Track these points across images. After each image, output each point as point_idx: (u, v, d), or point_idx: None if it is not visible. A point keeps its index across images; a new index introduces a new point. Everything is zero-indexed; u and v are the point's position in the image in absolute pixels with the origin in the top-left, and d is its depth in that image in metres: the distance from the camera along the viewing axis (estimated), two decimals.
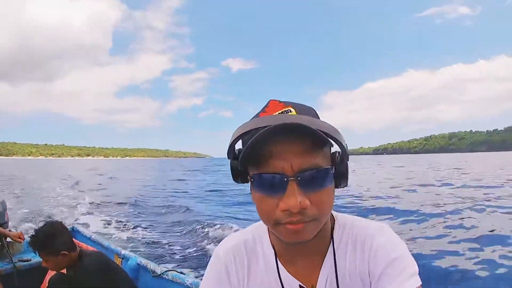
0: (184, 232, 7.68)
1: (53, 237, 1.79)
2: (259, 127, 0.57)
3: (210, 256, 0.82)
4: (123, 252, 2.41)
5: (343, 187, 0.68)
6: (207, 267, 0.81)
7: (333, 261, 0.73)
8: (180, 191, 17.82)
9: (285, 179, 0.57)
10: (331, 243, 0.74)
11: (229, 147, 0.66)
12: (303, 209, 0.57)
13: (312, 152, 0.58)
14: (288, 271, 0.74)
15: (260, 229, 0.80)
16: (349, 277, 0.73)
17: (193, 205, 12.00)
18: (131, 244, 6.42)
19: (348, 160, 0.66)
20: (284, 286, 0.74)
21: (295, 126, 0.55)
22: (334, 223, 0.76)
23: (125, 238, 7.03)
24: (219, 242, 0.83)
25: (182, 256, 5.70)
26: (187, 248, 6.15)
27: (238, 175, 0.67)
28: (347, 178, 0.67)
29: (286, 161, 0.57)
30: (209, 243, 6.32)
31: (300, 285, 0.73)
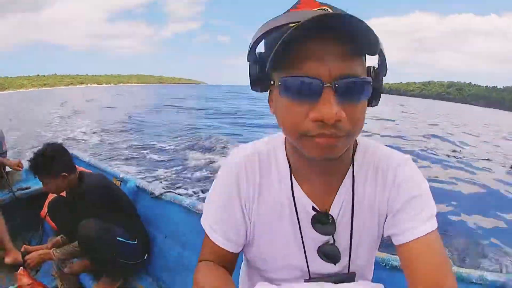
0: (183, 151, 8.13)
1: (52, 158, 1.75)
2: (292, 23, 0.49)
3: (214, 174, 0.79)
4: (121, 175, 2.41)
5: (374, 106, 0.62)
6: (217, 177, 0.75)
7: (351, 185, 0.69)
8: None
9: (321, 84, 0.50)
10: (352, 165, 0.69)
11: (250, 47, 0.58)
12: (337, 121, 0.50)
13: (354, 58, 0.51)
14: (302, 190, 0.70)
15: (275, 142, 0.74)
16: (366, 204, 0.70)
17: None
18: (130, 164, 6.79)
19: (385, 76, 0.60)
20: (297, 205, 0.70)
21: (346, 19, 0.45)
22: (356, 145, 0.71)
23: (124, 157, 7.41)
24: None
25: (179, 175, 6.01)
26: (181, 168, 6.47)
27: (258, 82, 0.59)
28: (380, 96, 0.61)
29: (324, 64, 0.49)
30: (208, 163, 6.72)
31: (313, 207, 0.69)
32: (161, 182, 5.37)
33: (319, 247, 0.71)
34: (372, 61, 0.58)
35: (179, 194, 1.97)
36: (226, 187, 0.72)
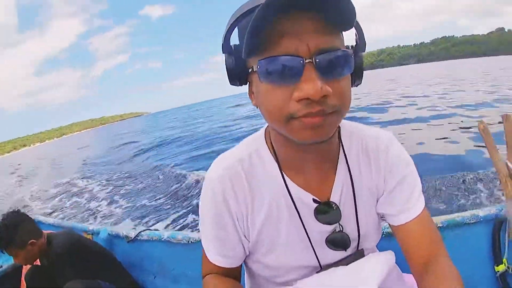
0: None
1: (15, 227, 1.65)
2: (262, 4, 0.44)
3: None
4: (91, 227, 2.33)
5: (357, 86, 0.60)
6: (201, 195, 0.69)
7: (347, 169, 0.68)
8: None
9: (301, 61, 0.47)
10: (341, 149, 0.68)
11: (224, 38, 0.55)
12: (324, 97, 0.48)
13: (332, 31, 0.49)
14: (297, 184, 0.66)
15: (255, 142, 0.70)
16: (365, 186, 0.70)
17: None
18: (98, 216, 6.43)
19: (363, 51, 0.58)
20: (295, 201, 0.66)
21: None
22: (339, 129, 0.69)
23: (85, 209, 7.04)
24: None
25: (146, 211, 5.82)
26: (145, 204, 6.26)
27: (236, 74, 0.57)
28: (363, 74, 0.59)
29: (302, 40, 0.47)
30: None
31: (313, 199, 0.66)
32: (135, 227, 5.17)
33: (327, 237, 0.69)
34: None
35: (155, 230, 1.94)
36: (213, 205, 0.67)
